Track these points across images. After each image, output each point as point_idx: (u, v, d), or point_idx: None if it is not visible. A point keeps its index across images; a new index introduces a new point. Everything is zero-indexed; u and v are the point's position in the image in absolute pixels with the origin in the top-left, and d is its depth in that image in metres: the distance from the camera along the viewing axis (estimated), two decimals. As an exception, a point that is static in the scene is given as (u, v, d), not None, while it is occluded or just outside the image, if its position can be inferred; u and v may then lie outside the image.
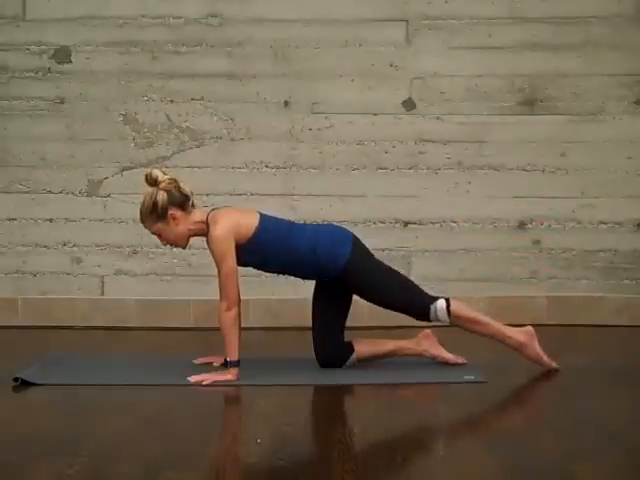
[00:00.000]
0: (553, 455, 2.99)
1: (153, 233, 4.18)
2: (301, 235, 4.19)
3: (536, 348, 4.16)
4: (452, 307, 4.16)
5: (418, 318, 4.24)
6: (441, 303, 4.17)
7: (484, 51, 5.44)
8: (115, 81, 5.49)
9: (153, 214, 4.09)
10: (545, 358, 4.16)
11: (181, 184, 4.12)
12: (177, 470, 2.85)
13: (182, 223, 4.11)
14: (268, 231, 4.15)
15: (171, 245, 4.22)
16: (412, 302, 4.20)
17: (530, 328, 4.20)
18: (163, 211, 4.08)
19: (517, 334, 4.18)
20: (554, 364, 4.16)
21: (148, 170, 4.16)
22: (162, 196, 4.07)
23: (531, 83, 5.44)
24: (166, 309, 5.46)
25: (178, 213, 4.10)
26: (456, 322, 4.20)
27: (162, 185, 4.08)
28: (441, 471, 2.90)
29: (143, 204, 4.11)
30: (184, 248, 4.27)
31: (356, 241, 4.24)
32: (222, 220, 4.10)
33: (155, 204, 4.07)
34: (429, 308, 4.16)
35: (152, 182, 4.09)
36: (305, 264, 4.19)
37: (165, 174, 4.11)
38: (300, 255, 4.16)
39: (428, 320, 4.20)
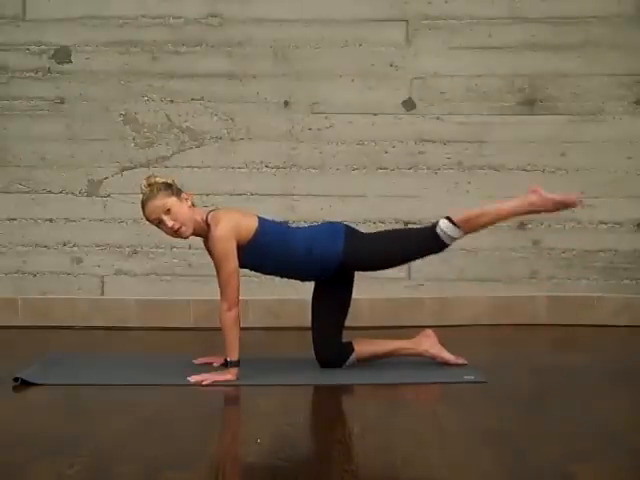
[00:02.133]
0: (553, 455, 2.99)
1: (163, 209, 4.00)
2: (297, 237, 4.20)
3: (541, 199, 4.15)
4: (455, 218, 4.15)
5: (437, 250, 4.22)
6: (443, 222, 4.14)
7: (484, 51, 5.44)
8: (115, 81, 5.49)
9: (168, 189, 4.06)
10: None
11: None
12: (177, 470, 2.85)
13: (191, 209, 4.10)
14: (267, 234, 4.15)
15: (177, 229, 4.03)
16: (420, 243, 4.20)
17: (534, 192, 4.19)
18: (178, 189, 4.08)
19: (524, 197, 4.17)
20: None
21: (146, 177, 4.14)
22: (170, 180, 4.10)
23: (531, 83, 5.44)
24: (166, 309, 5.46)
25: (191, 197, 4.11)
26: (467, 228, 4.16)
27: (162, 180, 4.10)
28: (441, 471, 2.90)
29: (154, 185, 4.04)
30: (186, 237, 4.12)
31: (347, 229, 4.24)
32: (223, 220, 4.09)
33: (169, 183, 4.08)
34: (438, 235, 4.16)
35: (153, 182, 4.09)
36: (303, 265, 4.19)
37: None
38: (297, 257, 4.17)
39: (446, 245, 4.17)
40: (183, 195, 4.09)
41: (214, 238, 4.06)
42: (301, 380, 4.07)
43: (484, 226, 4.23)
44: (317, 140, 5.48)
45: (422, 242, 4.20)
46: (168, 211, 4.04)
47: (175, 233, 4.08)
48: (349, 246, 4.18)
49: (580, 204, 4.17)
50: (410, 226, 5.45)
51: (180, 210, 4.04)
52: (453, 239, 4.16)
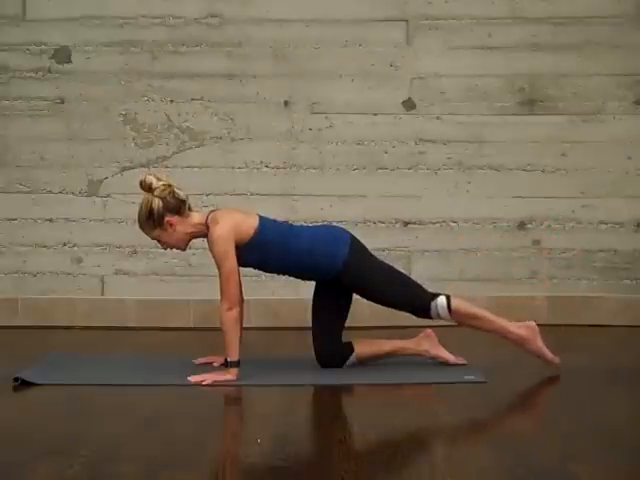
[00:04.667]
0: (553, 455, 2.99)
1: (153, 239, 4.20)
2: (299, 237, 4.19)
3: (538, 343, 4.14)
4: (453, 303, 4.16)
5: (419, 316, 4.23)
6: (441, 300, 4.16)
7: (484, 51, 5.44)
8: (115, 81, 5.49)
9: (150, 221, 4.10)
10: (548, 353, 4.14)
11: (176, 189, 4.11)
12: (177, 470, 2.85)
13: (179, 228, 4.11)
14: (267, 233, 4.15)
15: (171, 248, 4.24)
16: (412, 300, 4.20)
17: (532, 323, 4.18)
18: (159, 218, 4.08)
19: (519, 329, 4.16)
20: (557, 360, 4.14)
21: (142, 176, 4.15)
22: (157, 203, 4.06)
23: (531, 83, 5.44)
24: (166, 309, 5.46)
25: (174, 219, 4.09)
26: (457, 319, 4.19)
27: (156, 192, 4.07)
28: (441, 471, 2.90)
29: (140, 212, 4.12)
30: (184, 250, 4.27)
31: (354, 241, 4.23)
32: (222, 220, 4.10)
33: (151, 212, 4.08)
34: (430, 305, 4.16)
35: (147, 188, 4.09)
36: (303, 266, 4.19)
37: (159, 179, 4.10)
38: (298, 257, 4.16)
39: (429, 317, 4.19)
40: (167, 219, 4.09)
41: (212, 239, 4.08)
42: (301, 380, 4.07)
43: (473, 328, 4.24)
44: (317, 140, 5.47)
45: (413, 301, 4.20)
46: (157, 240, 4.19)
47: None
48: (352, 258, 4.17)
49: (555, 366, 4.16)
50: (410, 226, 5.46)
51: (165, 239, 4.16)
52: (439, 318, 4.19)
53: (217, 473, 2.89)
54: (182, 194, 4.12)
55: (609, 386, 3.96)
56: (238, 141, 5.49)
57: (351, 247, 4.19)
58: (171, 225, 4.10)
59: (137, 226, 4.18)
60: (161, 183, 4.09)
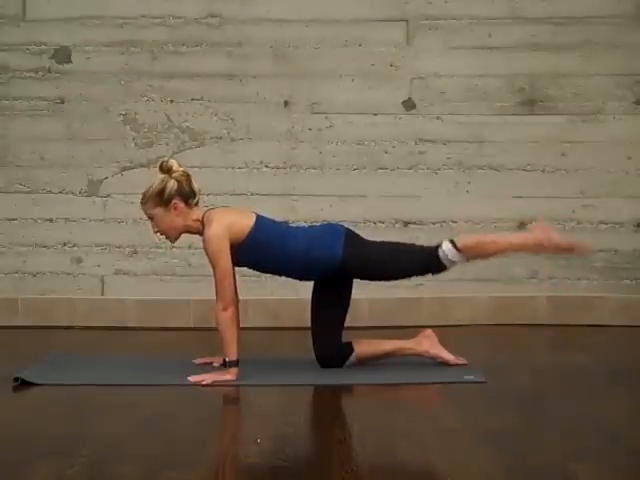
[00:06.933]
0: (553, 455, 2.99)
1: (148, 216, 4.19)
2: (295, 238, 4.19)
3: (554, 240, 4.16)
4: (457, 242, 4.14)
5: (435, 272, 4.22)
6: (445, 244, 4.14)
7: (484, 51, 5.44)
8: (115, 81, 5.49)
9: (157, 197, 4.11)
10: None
11: (192, 179, 4.16)
12: (177, 470, 2.85)
13: (181, 216, 4.13)
14: (262, 233, 4.15)
15: (161, 234, 4.21)
16: (421, 260, 4.19)
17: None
18: (169, 198, 4.10)
19: (530, 234, 4.19)
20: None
21: (165, 158, 4.19)
22: (172, 184, 4.10)
23: (531, 83, 5.44)
24: (166, 309, 5.46)
25: (181, 205, 4.12)
26: (469, 254, 4.16)
27: (175, 175, 4.12)
28: (441, 471, 2.90)
29: (151, 186, 4.13)
30: (172, 242, 4.27)
31: (349, 233, 4.23)
32: (216, 220, 4.11)
33: (163, 189, 4.10)
34: (438, 255, 4.16)
35: (166, 170, 4.13)
36: (301, 266, 4.18)
37: (180, 166, 4.15)
38: (295, 257, 4.16)
39: (445, 268, 4.17)
40: (173, 202, 4.11)
41: (206, 238, 4.09)
42: (301, 380, 4.07)
43: (489, 255, 4.22)
44: (317, 140, 5.48)
45: (422, 260, 4.19)
46: (152, 219, 4.17)
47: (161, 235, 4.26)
48: (348, 252, 4.16)
49: (588, 253, 4.16)
50: (410, 226, 5.46)
51: (163, 220, 4.15)
52: (453, 263, 4.16)
53: (217, 473, 2.88)
54: (197, 186, 4.17)
55: (609, 386, 3.96)
56: (238, 141, 5.49)
57: (346, 241, 4.19)
58: (176, 209, 4.11)
59: (140, 202, 4.15)
60: (181, 169, 4.15)
